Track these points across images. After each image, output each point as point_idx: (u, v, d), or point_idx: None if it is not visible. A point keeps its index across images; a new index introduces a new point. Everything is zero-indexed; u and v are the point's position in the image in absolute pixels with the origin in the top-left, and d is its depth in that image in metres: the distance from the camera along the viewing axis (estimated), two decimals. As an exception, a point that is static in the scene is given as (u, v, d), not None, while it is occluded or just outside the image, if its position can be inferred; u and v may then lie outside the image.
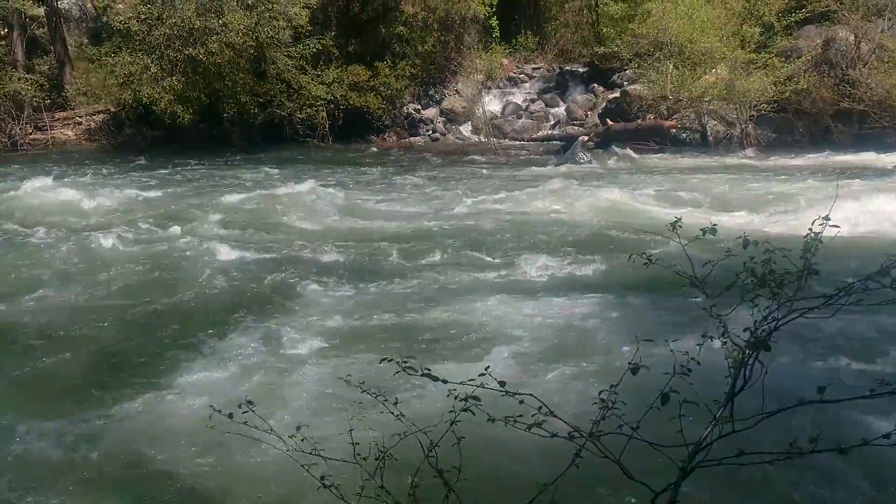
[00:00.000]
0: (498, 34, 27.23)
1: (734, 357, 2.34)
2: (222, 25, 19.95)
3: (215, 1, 20.13)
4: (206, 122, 22.39)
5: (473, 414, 2.42)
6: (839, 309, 2.37)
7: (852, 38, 18.99)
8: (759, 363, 2.35)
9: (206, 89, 21.15)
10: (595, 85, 24.97)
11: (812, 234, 2.52)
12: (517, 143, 23.02)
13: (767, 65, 18.79)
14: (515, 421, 2.30)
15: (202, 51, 20.00)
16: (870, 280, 2.31)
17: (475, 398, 2.39)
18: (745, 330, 2.41)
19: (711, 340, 2.52)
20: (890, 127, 17.86)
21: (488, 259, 8.66)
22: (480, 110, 23.82)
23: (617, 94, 23.24)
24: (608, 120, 21.53)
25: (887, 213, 10.27)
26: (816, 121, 19.32)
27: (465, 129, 24.66)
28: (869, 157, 16.83)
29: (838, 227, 2.57)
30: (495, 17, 26.37)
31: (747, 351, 2.28)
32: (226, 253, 8.63)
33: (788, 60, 18.91)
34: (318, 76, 22.65)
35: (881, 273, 2.29)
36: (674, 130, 20.33)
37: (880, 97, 17.71)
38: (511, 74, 26.77)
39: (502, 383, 2.39)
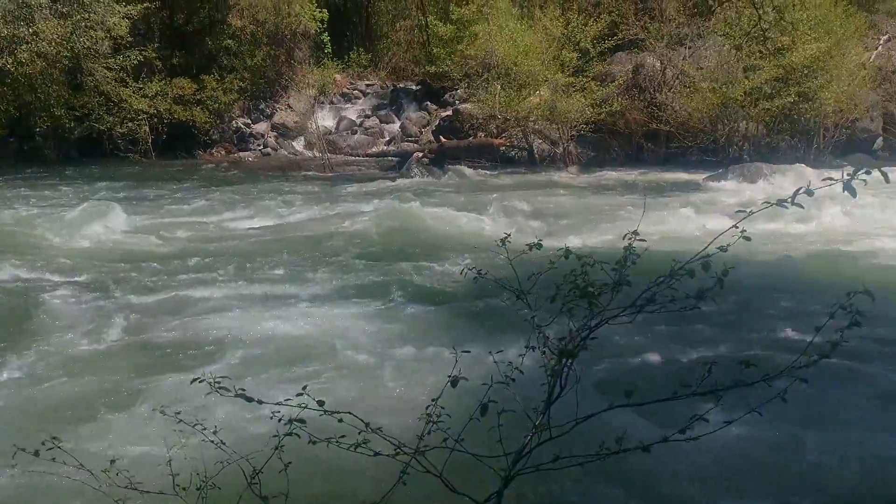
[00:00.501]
0: (330, 50, 27.15)
1: (550, 366, 2.44)
2: (33, 34, 18.54)
3: (24, 8, 18.65)
4: (17, 136, 20.85)
5: (299, 437, 2.36)
6: (638, 314, 2.54)
7: (658, 64, 20.62)
8: (574, 370, 2.47)
9: (15, 102, 19.79)
10: (428, 103, 25.48)
11: (626, 247, 2.69)
12: (352, 158, 23.01)
13: (585, 88, 19.98)
14: (339, 441, 2.27)
15: (10, 60, 18.51)
16: (659, 286, 2.48)
17: (300, 421, 2.34)
18: (561, 339, 2.53)
19: (533, 350, 2.62)
20: (693, 146, 19.51)
21: (300, 273, 8.57)
22: (313, 125, 23.59)
23: (450, 113, 23.83)
24: (441, 137, 22.02)
25: (693, 225, 11.21)
26: (629, 140, 20.78)
27: (298, 145, 24.33)
28: (678, 174, 18.43)
29: (645, 240, 2.75)
30: (326, 33, 26.27)
31: (561, 359, 2.39)
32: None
33: (603, 84, 20.22)
34: (140, 89, 21.54)
35: (670, 276, 2.47)
36: (503, 148, 21.12)
37: (684, 119, 19.31)
38: (345, 90, 26.75)
39: (321, 402, 2.35)
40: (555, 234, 10.56)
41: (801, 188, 2.22)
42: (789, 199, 2.26)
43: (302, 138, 24.33)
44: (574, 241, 9.64)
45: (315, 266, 8.85)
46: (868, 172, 2.18)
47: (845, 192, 2.15)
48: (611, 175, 18.97)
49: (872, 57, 19.96)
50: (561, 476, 2.37)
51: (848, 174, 2.20)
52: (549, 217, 12.52)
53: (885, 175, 2.18)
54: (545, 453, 2.38)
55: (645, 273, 2.63)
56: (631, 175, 18.82)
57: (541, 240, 2.84)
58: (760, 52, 18.32)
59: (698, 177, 17.76)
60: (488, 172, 19.67)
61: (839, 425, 5.14)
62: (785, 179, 15.07)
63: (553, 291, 2.66)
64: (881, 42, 20.53)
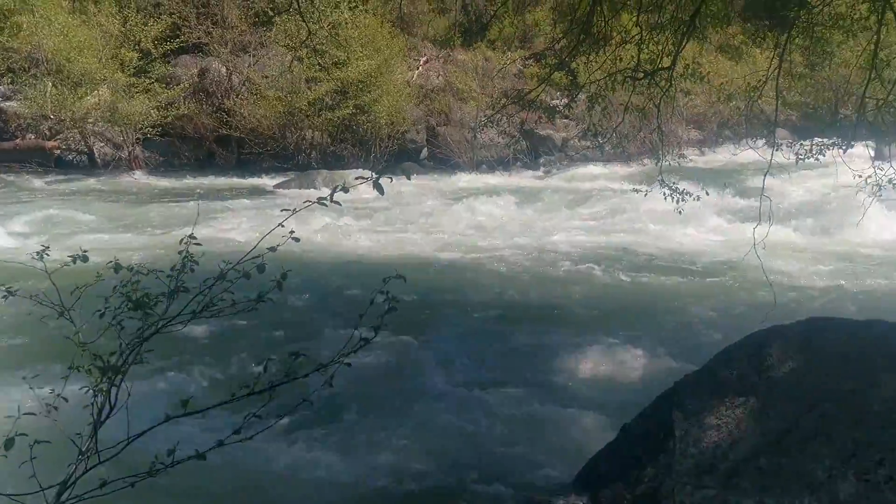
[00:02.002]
0: None
1: (94, 386, 2.27)
2: None
3: None
4: None
5: None
6: (192, 320, 2.50)
7: (224, 70, 20.60)
8: (126, 386, 2.33)
9: None
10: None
11: (181, 252, 2.61)
12: None
13: (149, 90, 19.09)
14: None
15: None
16: (212, 290, 2.49)
17: None
18: (111, 354, 2.37)
19: (79, 371, 2.41)
20: (264, 153, 19.94)
21: None
22: None
23: (-11, 111, 20.71)
24: (-23, 139, 19.05)
25: (259, 228, 11.38)
26: (200, 145, 20.43)
27: None
28: (250, 180, 18.69)
29: (201, 244, 2.71)
30: None
31: (104, 377, 2.23)
32: None
33: (169, 87, 19.54)
34: None
35: (220, 278, 2.49)
36: (58, 151, 19.15)
37: (253, 125, 19.61)
38: None
39: None
40: (110, 243, 9.92)
41: (337, 186, 2.41)
42: (328, 198, 2.43)
43: None
44: (133, 250, 9.18)
45: None
46: (390, 178, 2.45)
47: (375, 189, 2.38)
48: (180, 180, 18.49)
49: (415, 76, 22.55)
50: (114, 501, 2.21)
51: (374, 176, 2.45)
52: (104, 225, 11.71)
53: (379, 188, 2.42)
54: (96, 479, 2.20)
55: (208, 278, 2.60)
56: (201, 180, 18.58)
57: (87, 251, 2.64)
58: (319, 64, 19.45)
59: (270, 182, 18.27)
60: (41, 179, 17.64)
61: (382, 415, 5.73)
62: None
63: (103, 305, 2.49)
64: (421, 63, 23.30)
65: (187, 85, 20.00)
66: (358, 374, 2.75)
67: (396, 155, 20.81)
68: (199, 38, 20.50)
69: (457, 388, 6.30)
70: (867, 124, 6.50)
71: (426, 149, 21.79)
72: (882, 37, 5.98)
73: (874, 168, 5.96)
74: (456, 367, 6.78)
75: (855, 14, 6.75)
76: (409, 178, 2.53)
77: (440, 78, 22.82)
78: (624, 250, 11.25)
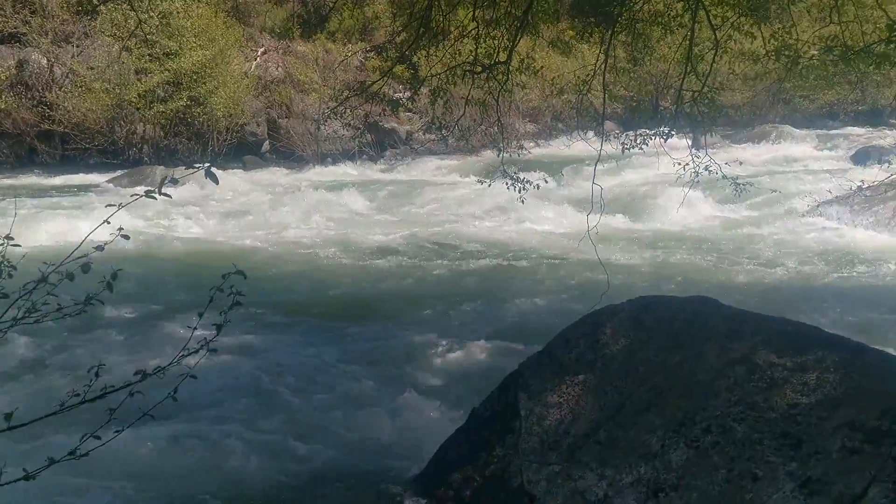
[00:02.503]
0: None
1: None
2: None
3: None
4: None
5: None
6: (13, 326, 2.32)
7: (45, 61, 19.07)
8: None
9: None
10: None
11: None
12: None
13: (-44, 81, 17.38)
14: None
15: None
16: (32, 294, 2.31)
17: None
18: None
19: None
20: (92, 148, 18.69)
21: None
22: None
23: None
24: None
25: (70, 227, 10.50)
26: (20, 142, 18.84)
27: None
28: (77, 177, 17.49)
29: (20, 245, 2.50)
30: None
31: None
32: None
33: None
34: None
35: (42, 280, 2.33)
36: None
37: (78, 119, 18.31)
38: None
39: None
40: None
41: (166, 177, 2.30)
42: (156, 191, 2.31)
43: None
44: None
45: None
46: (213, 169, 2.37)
47: (207, 178, 2.29)
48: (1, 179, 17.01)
49: (253, 67, 21.90)
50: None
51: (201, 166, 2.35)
52: None
53: (213, 177, 2.35)
54: None
55: (29, 282, 2.41)
56: (22, 179, 17.18)
57: None
58: (150, 55, 18.47)
59: (99, 179, 17.18)
60: None
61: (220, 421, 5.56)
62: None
63: None
64: (259, 54, 22.65)
65: (4, 77, 18.39)
66: (199, 375, 2.64)
67: (236, 148, 20.17)
68: (15, 28, 18.88)
69: (301, 388, 6.19)
70: (685, 115, 7.00)
71: (268, 142, 21.26)
72: (696, 33, 6.46)
73: (692, 156, 6.43)
74: (298, 366, 6.65)
75: (671, 12, 7.24)
76: (216, 182, 2.38)
77: (280, 69, 22.31)
78: (467, 241, 11.51)
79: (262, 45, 22.97)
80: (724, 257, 10.45)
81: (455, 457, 4.16)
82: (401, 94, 15.35)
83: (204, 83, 18.93)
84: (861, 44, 6.00)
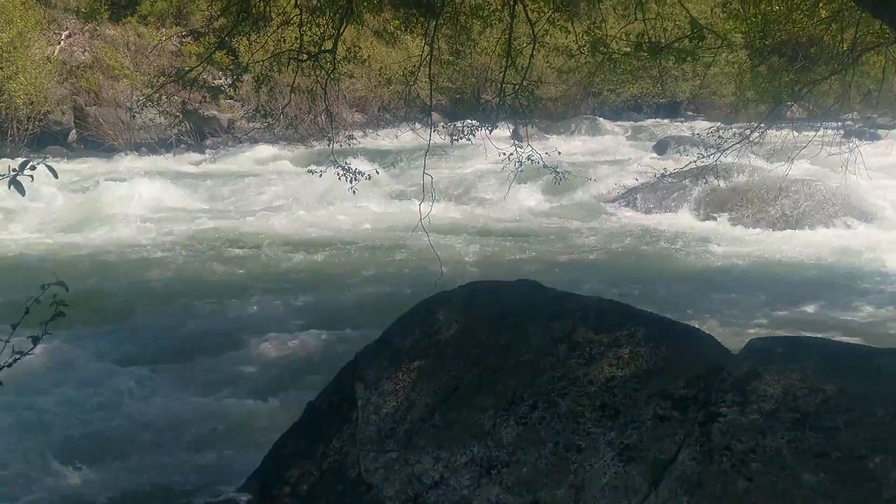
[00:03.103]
0: None
1: None
2: None
3: None
4: None
5: None
6: None
7: None
8: None
9: None
10: None
11: None
12: None
13: None
14: None
15: None
16: None
17: None
18: None
19: None
20: None
21: None
22: None
23: None
24: None
25: None
26: None
27: None
28: None
29: None
30: None
31: None
32: None
33: None
34: None
35: None
36: None
37: None
38: None
39: None
40: None
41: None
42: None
43: None
44: None
45: None
46: (33, 167, 2.17)
47: (11, 187, 2.09)
48: None
49: (56, 51, 20.22)
50: None
51: (14, 169, 2.15)
52: None
53: (52, 170, 2.19)
54: None
55: None
56: None
57: None
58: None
59: None
60: None
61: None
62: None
63: None
64: (63, 37, 20.93)
65: None
66: (15, 380, 2.44)
67: (39, 138, 18.57)
68: None
69: (133, 391, 5.85)
70: (506, 108, 7.26)
71: (74, 131, 19.75)
72: (514, 28, 6.71)
73: (515, 147, 6.68)
74: (127, 369, 6.27)
75: (491, 6, 7.46)
76: (22, 194, 2.19)
77: (87, 54, 20.75)
78: (297, 231, 11.33)
79: (67, 28, 21.25)
80: (546, 242, 11.01)
81: (292, 452, 4.10)
82: (221, 81, 14.79)
83: (1, 69, 17.32)
84: (664, 40, 6.46)
